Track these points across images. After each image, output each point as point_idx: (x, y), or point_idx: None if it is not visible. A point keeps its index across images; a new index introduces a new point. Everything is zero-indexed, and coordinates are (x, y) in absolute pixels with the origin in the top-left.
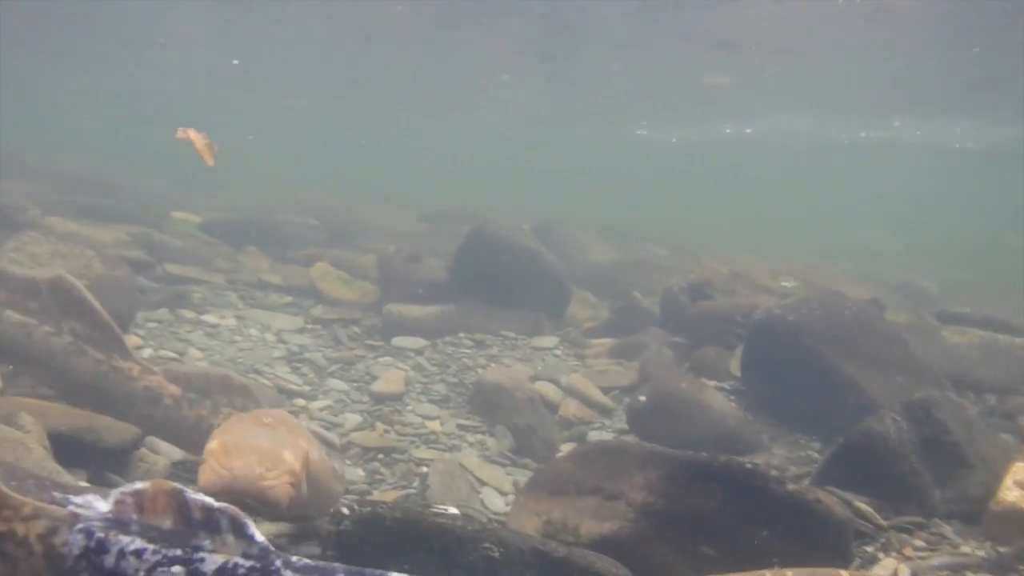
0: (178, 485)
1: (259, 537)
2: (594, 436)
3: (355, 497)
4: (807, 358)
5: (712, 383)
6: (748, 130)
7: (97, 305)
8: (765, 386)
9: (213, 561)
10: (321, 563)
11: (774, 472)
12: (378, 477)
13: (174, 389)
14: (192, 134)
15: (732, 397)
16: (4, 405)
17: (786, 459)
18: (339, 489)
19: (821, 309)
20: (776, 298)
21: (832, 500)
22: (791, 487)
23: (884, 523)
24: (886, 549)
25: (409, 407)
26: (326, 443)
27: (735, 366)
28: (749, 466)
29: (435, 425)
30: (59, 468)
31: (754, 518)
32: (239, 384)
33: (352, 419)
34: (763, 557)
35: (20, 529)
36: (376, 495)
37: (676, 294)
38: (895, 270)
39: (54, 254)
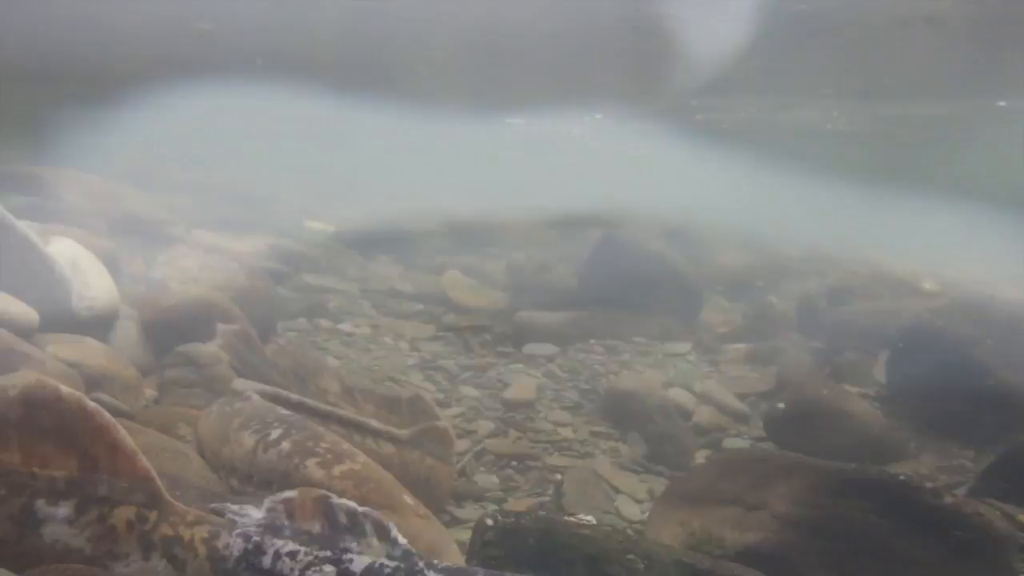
0: (324, 491)
1: (402, 540)
2: (729, 444)
3: (496, 508)
4: (958, 364)
5: (855, 390)
6: None
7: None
8: (912, 393)
9: (361, 562)
10: (462, 566)
11: (929, 484)
12: (512, 484)
13: None
14: None
15: (876, 404)
16: (162, 415)
17: (936, 468)
18: None
19: (974, 313)
20: (921, 301)
21: (993, 513)
22: (948, 499)
23: None
24: None
25: (541, 414)
26: None
27: (879, 372)
28: (902, 478)
29: (567, 432)
30: (216, 477)
31: (908, 532)
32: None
33: (485, 426)
34: (918, 573)
35: (186, 534)
36: (511, 503)
37: (814, 298)
38: None
39: (202, 267)
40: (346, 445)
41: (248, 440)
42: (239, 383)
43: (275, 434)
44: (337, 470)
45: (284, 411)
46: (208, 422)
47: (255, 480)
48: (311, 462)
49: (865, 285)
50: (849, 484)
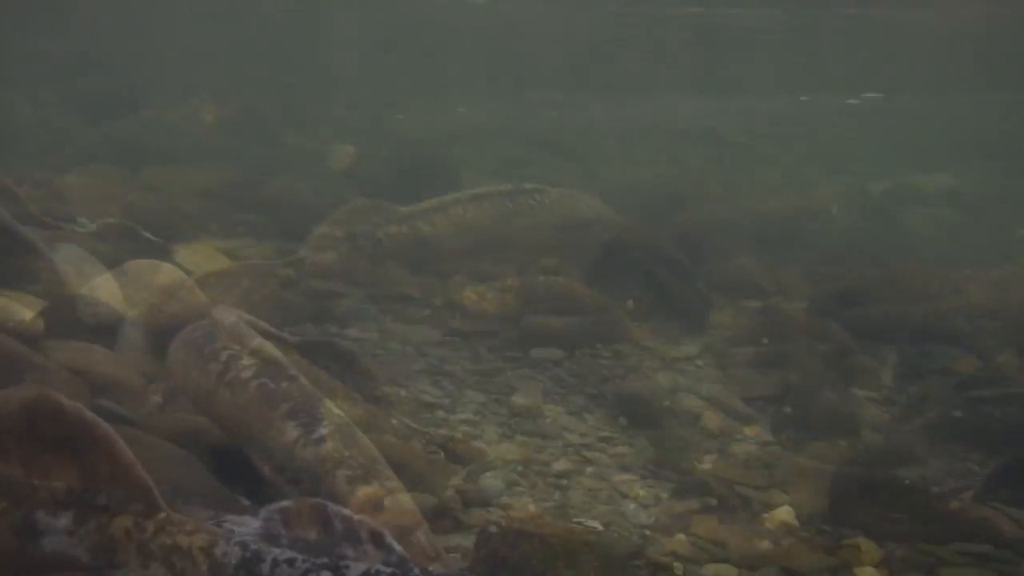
0: (320, 500)
1: (397, 547)
2: (737, 448)
3: (501, 513)
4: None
5: (863, 393)
6: None
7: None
8: (920, 397)
9: (357, 568)
10: (458, 572)
11: (935, 489)
12: (519, 490)
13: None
14: None
15: (884, 408)
16: (167, 422)
17: (944, 472)
18: None
19: (987, 315)
20: (937, 304)
21: (1000, 517)
22: (953, 505)
23: None
24: None
25: (548, 419)
26: None
27: (888, 376)
28: (907, 482)
29: (574, 437)
30: (219, 485)
31: (914, 536)
32: None
33: (492, 431)
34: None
35: (184, 543)
36: (517, 508)
37: (824, 300)
38: None
39: (207, 272)
40: (382, 463)
41: (291, 432)
42: (218, 310)
43: (318, 432)
44: (361, 492)
45: (332, 406)
46: (244, 395)
47: (287, 474)
48: (340, 474)
49: (878, 287)
50: (856, 488)
